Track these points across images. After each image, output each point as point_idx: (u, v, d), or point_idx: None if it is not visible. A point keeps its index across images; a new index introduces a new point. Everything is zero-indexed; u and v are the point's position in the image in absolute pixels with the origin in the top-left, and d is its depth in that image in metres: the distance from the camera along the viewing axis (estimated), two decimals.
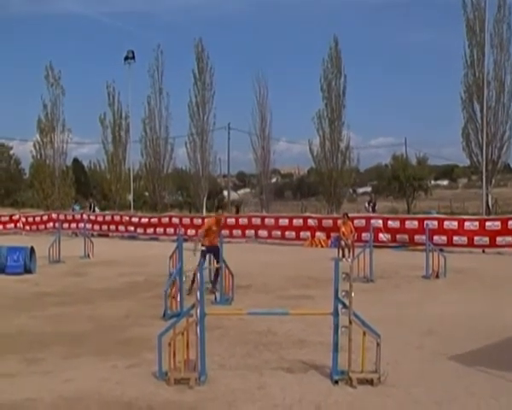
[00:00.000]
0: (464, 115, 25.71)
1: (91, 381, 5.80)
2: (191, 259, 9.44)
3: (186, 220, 24.87)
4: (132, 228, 26.01)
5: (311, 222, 22.50)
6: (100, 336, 7.77)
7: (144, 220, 26.07)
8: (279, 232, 22.81)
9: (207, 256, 10.97)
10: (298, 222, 22.78)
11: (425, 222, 18.07)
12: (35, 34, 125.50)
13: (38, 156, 34.22)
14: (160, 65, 33.00)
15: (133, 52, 31.69)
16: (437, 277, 12.94)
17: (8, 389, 5.56)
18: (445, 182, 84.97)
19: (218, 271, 10.57)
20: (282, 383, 5.68)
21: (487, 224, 19.11)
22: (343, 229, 17.28)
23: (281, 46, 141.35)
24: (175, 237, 17.66)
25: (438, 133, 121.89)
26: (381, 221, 20.67)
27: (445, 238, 18.95)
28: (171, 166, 34.67)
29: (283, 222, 23.02)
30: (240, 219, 24.23)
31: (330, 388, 5.56)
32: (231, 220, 23.51)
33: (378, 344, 5.63)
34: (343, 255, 16.48)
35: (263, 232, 23.15)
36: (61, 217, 26.98)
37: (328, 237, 21.46)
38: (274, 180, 55.31)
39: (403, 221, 20.66)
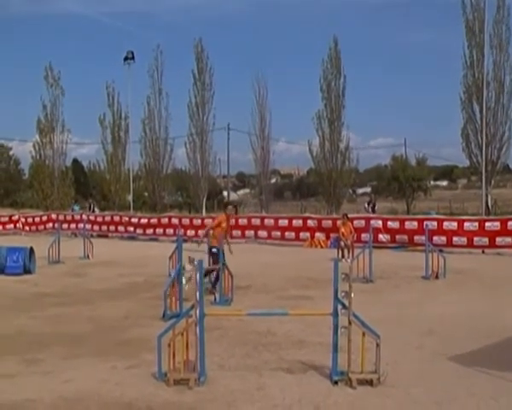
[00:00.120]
0: (464, 116, 25.79)
1: (91, 382, 5.80)
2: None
3: (185, 221, 24.88)
4: (132, 228, 26.01)
5: (310, 223, 22.49)
6: (99, 336, 7.76)
7: (144, 221, 26.07)
8: (279, 233, 22.80)
9: (207, 256, 10.94)
10: (297, 223, 22.77)
11: (424, 223, 18.05)
12: (35, 34, 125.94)
13: (38, 157, 34.29)
14: (160, 65, 33.12)
15: (133, 52, 31.81)
16: (436, 277, 12.93)
17: (7, 390, 5.55)
18: (445, 182, 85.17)
19: (217, 271, 10.55)
20: (282, 384, 5.67)
21: (487, 224, 19.11)
22: (342, 229, 17.27)
23: (280, 46, 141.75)
24: (174, 238, 17.70)
25: (437, 134, 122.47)
26: (380, 222, 20.65)
27: (444, 239, 18.94)
28: (170, 167, 34.81)
29: (283, 223, 23.00)
30: (239, 220, 24.18)
31: (330, 388, 5.55)
32: (231, 221, 23.41)
33: (378, 345, 5.62)
34: (342, 256, 16.48)
35: (262, 233, 23.14)
36: (61, 217, 26.91)
37: (328, 237, 21.45)
38: (273, 181, 55.40)
39: (402, 222, 20.64)
